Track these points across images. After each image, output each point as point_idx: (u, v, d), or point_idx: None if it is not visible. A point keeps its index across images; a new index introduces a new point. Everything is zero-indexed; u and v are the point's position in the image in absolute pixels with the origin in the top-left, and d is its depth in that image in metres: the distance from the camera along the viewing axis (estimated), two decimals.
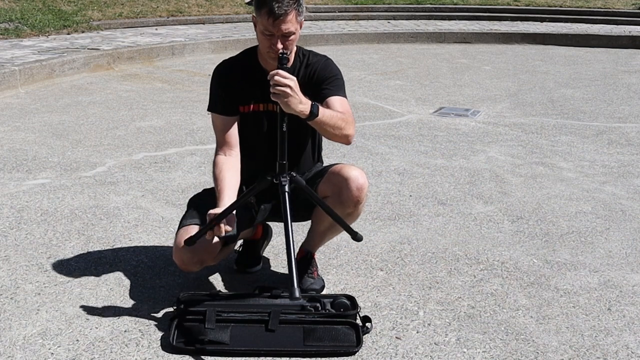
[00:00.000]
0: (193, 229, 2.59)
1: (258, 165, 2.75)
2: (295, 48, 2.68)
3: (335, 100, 2.65)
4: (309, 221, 2.89)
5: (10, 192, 3.94)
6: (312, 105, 2.44)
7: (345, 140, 2.62)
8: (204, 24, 11.26)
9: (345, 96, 2.71)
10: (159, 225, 3.52)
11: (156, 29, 10.34)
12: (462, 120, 6.08)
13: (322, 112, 2.48)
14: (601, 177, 4.55)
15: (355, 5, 13.44)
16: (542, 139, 5.49)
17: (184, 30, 10.44)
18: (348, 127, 2.58)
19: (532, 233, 3.57)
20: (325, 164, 2.92)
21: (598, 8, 14.18)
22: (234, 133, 2.75)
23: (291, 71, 2.60)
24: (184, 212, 2.80)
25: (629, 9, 14.36)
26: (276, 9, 2.46)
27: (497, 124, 5.96)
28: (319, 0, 13.43)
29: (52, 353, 2.37)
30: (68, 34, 9.28)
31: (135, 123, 5.56)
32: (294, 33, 2.54)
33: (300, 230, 3.12)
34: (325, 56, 2.78)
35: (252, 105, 2.72)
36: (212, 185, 2.76)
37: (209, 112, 2.80)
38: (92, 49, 8.17)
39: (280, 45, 2.52)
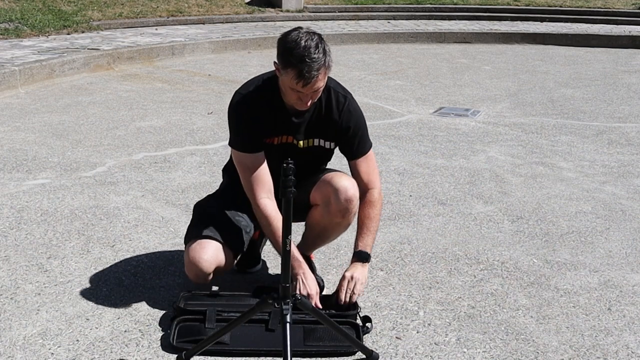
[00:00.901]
0: (207, 244, 2.59)
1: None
2: None
3: (361, 165, 2.69)
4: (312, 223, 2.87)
5: (10, 192, 3.94)
6: (365, 262, 2.65)
7: None
8: (204, 24, 11.25)
9: (369, 146, 2.73)
10: (159, 225, 3.52)
11: (156, 29, 10.34)
12: (462, 120, 6.08)
13: (370, 249, 2.68)
14: (601, 177, 4.55)
15: (355, 5, 13.43)
16: (542, 139, 5.49)
17: (184, 30, 10.44)
18: (380, 206, 2.71)
19: (532, 233, 3.57)
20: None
21: (598, 8, 14.18)
22: (267, 169, 2.59)
23: (313, 107, 2.57)
24: (191, 220, 2.78)
25: (629, 9, 14.36)
26: (305, 72, 2.32)
27: (497, 124, 5.96)
28: (319, 0, 13.43)
29: (52, 353, 2.37)
30: (68, 34, 9.28)
31: (135, 123, 5.56)
32: (323, 85, 2.45)
33: (297, 231, 3.11)
34: (345, 97, 2.65)
35: (274, 139, 2.64)
36: (214, 189, 2.85)
37: (234, 149, 2.62)
38: (92, 49, 8.17)
39: (309, 103, 2.45)
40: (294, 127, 2.62)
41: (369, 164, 2.71)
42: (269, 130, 2.60)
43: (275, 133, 2.62)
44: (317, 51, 2.34)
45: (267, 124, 2.58)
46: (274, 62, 2.44)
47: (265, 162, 2.59)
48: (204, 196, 2.96)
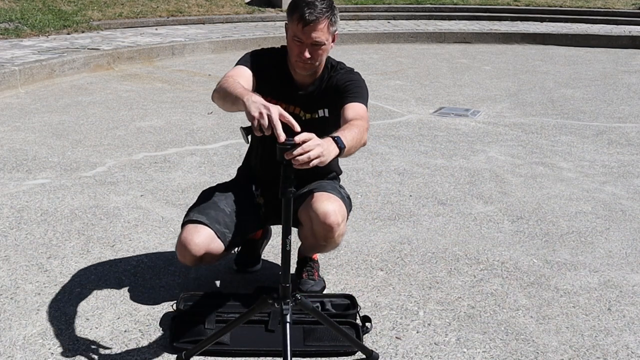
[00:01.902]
0: (202, 229, 2.54)
1: (263, 162, 2.75)
2: (324, 60, 2.62)
3: (349, 106, 2.53)
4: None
5: (10, 192, 3.94)
6: (335, 141, 2.20)
7: (362, 147, 2.46)
8: (204, 24, 11.25)
9: (363, 102, 2.60)
10: (159, 225, 3.52)
11: (156, 29, 10.34)
12: (462, 120, 6.08)
13: (345, 140, 2.24)
14: (601, 177, 4.55)
15: (355, 5, 13.43)
16: (542, 139, 5.49)
17: (184, 30, 10.44)
18: (362, 136, 2.39)
19: (532, 233, 3.57)
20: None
21: (598, 8, 14.19)
22: (247, 78, 2.55)
23: (319, 81, 2.63)
24: (195, 201, 2.73)
25: (629, 9, 14.37)
26: (307, 14, 2.41)
27: (497, 124, 5.96)
28: None
29: (52, 353, 2.37)
30: (68, 34, 9.27)
31: (135, 123, 5.56)
32: (324, 44, 2.49)
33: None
34: (350, 68, 2.72)
35: (282, 104, 2.60)
36: (223, 180, 2.79)
37: (237, 65, 2.60)
38: (92, 49, 8.17)
39: (307, 55, 2.47)
40: (299, 99, 2.63)
41: (356, 108, 2.52)
42: (267, 89, 2.58)
43: (281, 98, 2.61)
44: (322, 3, 2.45)
45: (272, 83, 2.61)
46: (285, 24, 2.54)
47: (249, 77, 2.54)
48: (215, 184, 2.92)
